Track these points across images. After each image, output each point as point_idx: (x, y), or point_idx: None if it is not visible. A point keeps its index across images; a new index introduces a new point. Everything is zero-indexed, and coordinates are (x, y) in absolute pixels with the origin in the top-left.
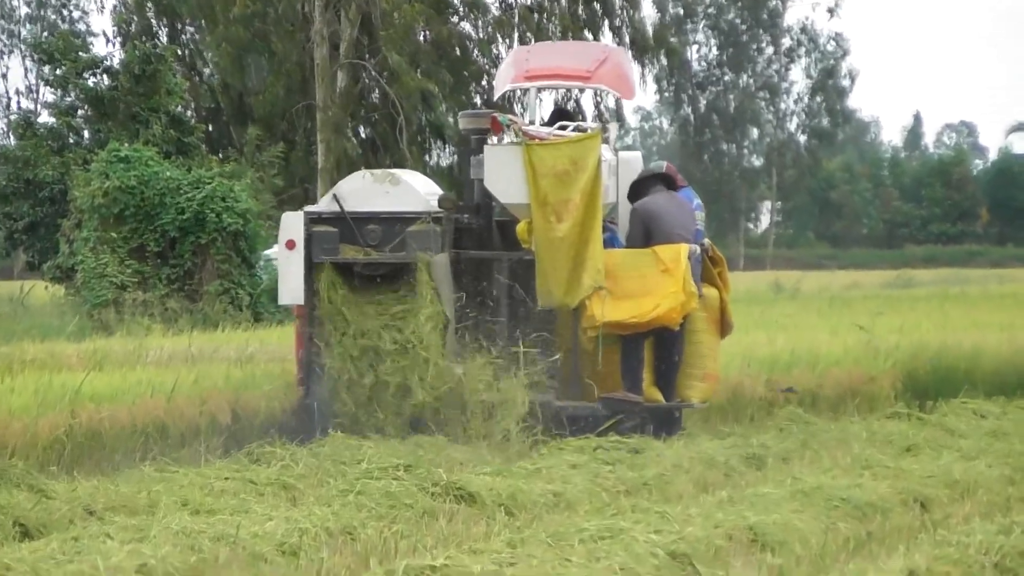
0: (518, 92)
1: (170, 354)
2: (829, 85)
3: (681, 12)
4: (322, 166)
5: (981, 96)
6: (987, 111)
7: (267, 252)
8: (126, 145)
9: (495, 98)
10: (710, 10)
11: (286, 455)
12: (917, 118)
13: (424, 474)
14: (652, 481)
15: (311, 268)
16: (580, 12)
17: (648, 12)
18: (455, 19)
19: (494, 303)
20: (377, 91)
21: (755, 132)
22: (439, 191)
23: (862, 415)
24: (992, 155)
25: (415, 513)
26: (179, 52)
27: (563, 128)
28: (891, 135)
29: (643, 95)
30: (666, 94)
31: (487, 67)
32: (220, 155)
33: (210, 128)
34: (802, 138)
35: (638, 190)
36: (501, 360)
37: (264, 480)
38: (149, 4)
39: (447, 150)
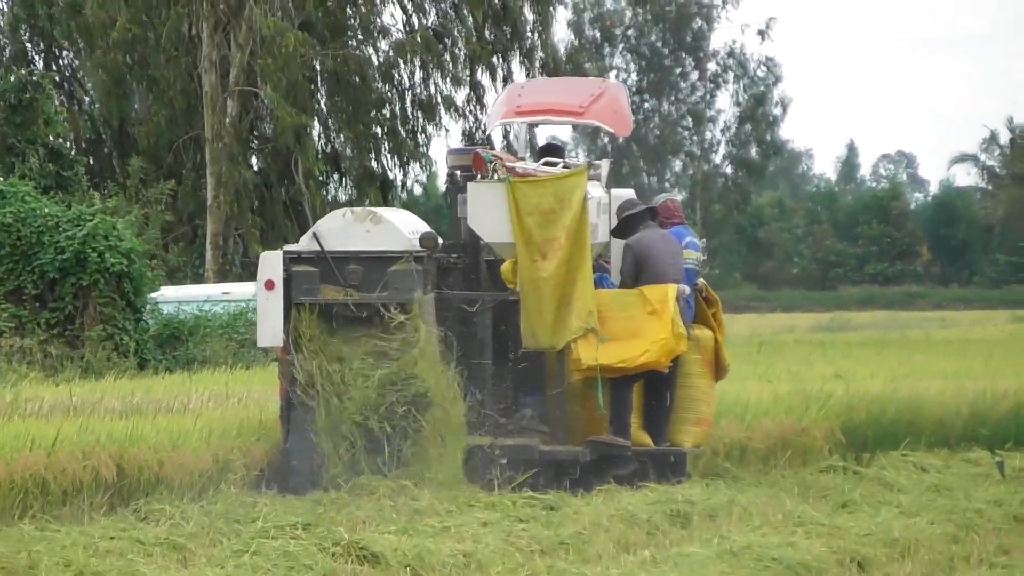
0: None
1: (50, 404)
2: (759, 113)
3: (598, 35)
4: (211, 201)
5: (921, 124)
6: (927, 140)
7: (154, 295)
8: (1, 179)
9: (486, 134)
10: (630, 32)
11: (175, 513)
12: (852, 148)
13: (324, 533)
14: (569, 540)
15: (291, 309)
16: (488, 35)
17: (563, 35)
18: (353, 43)
19: (479, 344)
20: (269, 121)
21: (678, 164)
22: (424, 229)
23: (794, 469)
24: (933, 188)
25: (315, 575)
26: (57, 79)
27: (551, 165)
28: (824, 167)
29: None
30: None
31: (388, 94)
32: (103, 189)
33: (91, 160)
34: (729, 170)
35: (627, 225)
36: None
37: (152, 539)
38: (24, 26)
39: (345, 183)
